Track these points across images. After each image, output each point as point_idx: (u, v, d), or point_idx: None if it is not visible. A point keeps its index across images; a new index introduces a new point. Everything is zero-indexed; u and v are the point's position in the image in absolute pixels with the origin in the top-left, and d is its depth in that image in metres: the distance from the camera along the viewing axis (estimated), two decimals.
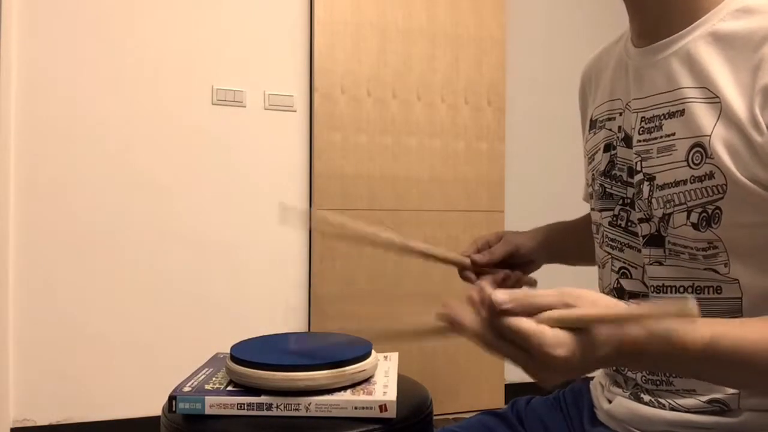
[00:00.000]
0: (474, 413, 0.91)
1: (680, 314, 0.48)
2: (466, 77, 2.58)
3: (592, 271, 0.87)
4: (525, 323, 0.50)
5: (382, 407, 0.74)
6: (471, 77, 2.58)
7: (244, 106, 2.34)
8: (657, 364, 0.55)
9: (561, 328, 0.51)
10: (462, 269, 0.94)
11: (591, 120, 0.83)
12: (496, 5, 2.62)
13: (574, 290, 0.53)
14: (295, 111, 2.41)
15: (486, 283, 0.54)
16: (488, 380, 2.59)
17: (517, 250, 0.94)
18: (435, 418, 0.84)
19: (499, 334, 0.52)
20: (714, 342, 0.53)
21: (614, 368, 0.77)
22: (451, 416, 2.47)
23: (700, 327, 0.53)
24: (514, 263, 0.95)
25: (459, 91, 2.56)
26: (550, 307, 0.51)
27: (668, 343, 0.52)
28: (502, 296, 0.51)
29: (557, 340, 0.50)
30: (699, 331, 0.53)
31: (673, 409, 0.69)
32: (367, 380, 0.81)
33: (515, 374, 2.66)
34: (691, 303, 0.47)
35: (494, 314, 0.52)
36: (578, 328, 0.51)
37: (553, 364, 0.50)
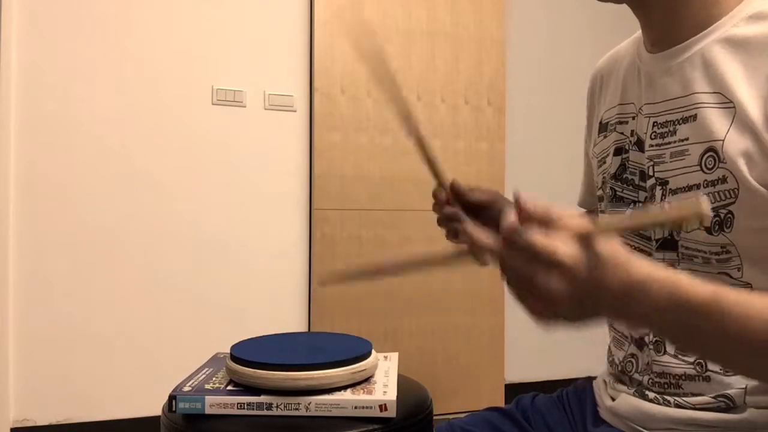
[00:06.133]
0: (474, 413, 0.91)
1: (692, 215, 0.46)
2: (466, 77, 2.58)
3: None
4: (539, 234, 0.50)
5: (382, 407, 0.74)
6: (471, 77, 2.58)
7: (244, 106, 2.34)
8: (659, 315, 0.51)
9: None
10: (439, 185, 0.87)
11: (601, 123, 0.83)
12: (496, 5, 2.62)
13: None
14: (295, 111, 2.40)
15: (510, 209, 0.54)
16: (488, 380, 2.59)
17: (495, 202, 0.88)
18: (435, 418, 0.84)
19: (512, 247, 0.51)
20: (718, 297, 0.50)
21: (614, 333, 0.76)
22: (450, 416, 2.47)
23: (706, 282, 0.51)
24: (491, 215, 0.88)
25: (459, 91, 2.57)
26: (562, 220, 0.50)
27: (673, 287, 0.50)
28: (526, 201, 0.51)
29: (564, 240, 0.49)
30: (705, 284, 0.51)
31: (678, 406, 0.69)
32: (367, 380, 0.81)
33: (515, 374, 2.66)
34: (704, 203, 0.45)
35: (510, 230, 0.51)
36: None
37: (560, 266, 0.48)
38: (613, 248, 0.50)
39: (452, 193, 0.87)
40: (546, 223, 0.50)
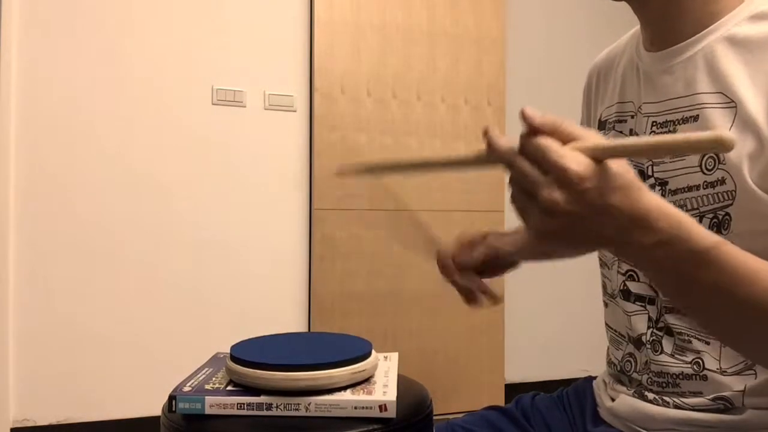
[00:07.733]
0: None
1: (710, 140, 0.44)
2: (466, 77, 2.58)
3: (589, 273, 0.87)
4: (551, 141, 0.49)
5: (382, 407, 0.74)
6: (471, 77, 2.58)
7: (244, 106, 2.34)
8: (658, 252, 0.50)
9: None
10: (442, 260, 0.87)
11: (600, 121, 0.83)
12: (496, 5, 2.62)
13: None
14: (295, 111, 2.41)
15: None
16: (488, 380, 2.59)
17: (496, 254, 0.89)
18: (435, 418, 0.84)
19: (523, 152, 0.51)
20: (720, 247, 0.50)
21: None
22: (450, 416, 2.47)
23: (713, 233, 0.51)
24: (496, 264, 0.90)
25: (459, 91, 2.56)
26: (578, 138, 0.49)
27: (679, 226, 0.49)
28: (534, 114, 0.51)
29: (576, 158, 0.48)
30: (710, 234, 0.51)
31: (677, 407, 0.69)
32: (367, 380, 0.80)
33: (515, 374, 2.66)
34: (726, 133, 0.43)
35: (526, 134, 0.52)
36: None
37: (570, 185, 0.47)
38: (627, 174, 0.48)
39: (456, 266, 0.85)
40: (559, 136, 0.50)
